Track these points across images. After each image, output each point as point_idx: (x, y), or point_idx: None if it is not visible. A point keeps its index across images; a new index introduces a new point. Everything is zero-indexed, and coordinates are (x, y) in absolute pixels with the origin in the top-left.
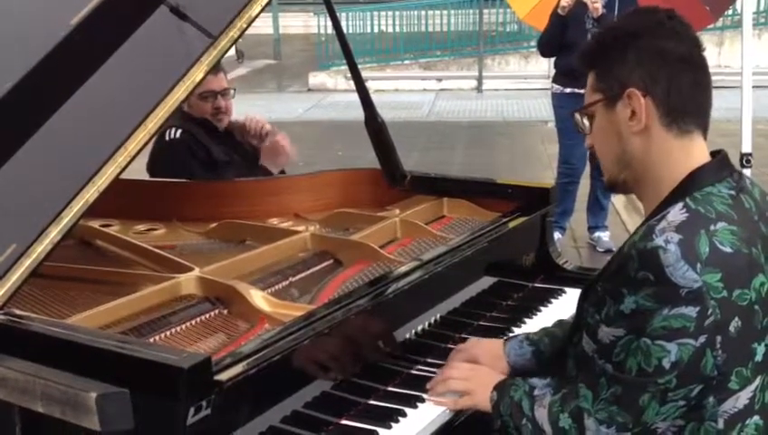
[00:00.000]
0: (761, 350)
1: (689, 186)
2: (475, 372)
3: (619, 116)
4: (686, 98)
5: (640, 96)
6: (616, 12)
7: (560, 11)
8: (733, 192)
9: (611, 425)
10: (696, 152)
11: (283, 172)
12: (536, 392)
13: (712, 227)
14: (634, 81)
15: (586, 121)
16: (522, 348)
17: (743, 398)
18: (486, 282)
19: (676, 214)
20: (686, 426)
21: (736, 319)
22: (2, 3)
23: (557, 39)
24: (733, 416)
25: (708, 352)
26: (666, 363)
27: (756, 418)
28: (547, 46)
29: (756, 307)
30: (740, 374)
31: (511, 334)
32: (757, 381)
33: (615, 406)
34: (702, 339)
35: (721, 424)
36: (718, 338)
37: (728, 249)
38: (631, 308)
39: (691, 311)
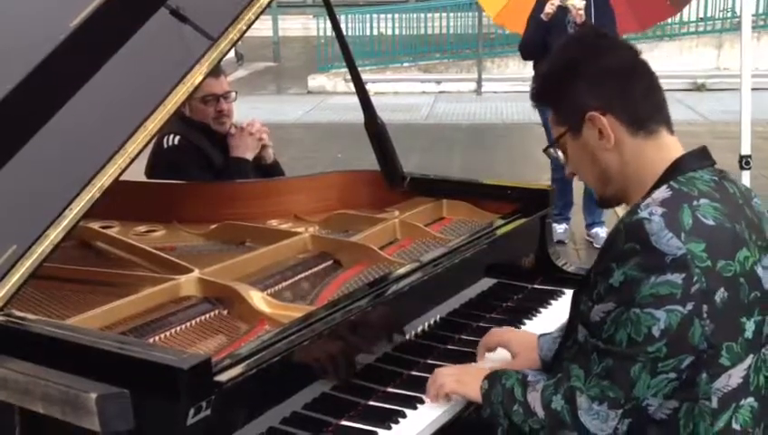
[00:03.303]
0: (750, 326)
1: (673, 172)
2: (465, 367)
3: (588, 140)
4: (642, 103)
5: (600, 116)
6: (593, 15)
7: (543, 17)
8: (716, 178)
9: (603, 401)
10: (668, 146)
11: (281, 174)
12: (530, 378)
13: (695, 203)
14: (590, 104)
15: (561, 154)
16: (555, 343)
17: (735, 376)
18: (486, 283)
19: (661, 192)
20: (680, 407)
21: (722, 289)
22: (1, 5)
23: (539, 43)
24: (726, 395)
25: (696, 321)
26: (655, 331)
27: (751, 399)
28: (528, 50)
29: (742, 280)
30: (731, 350)
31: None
32: (749, 360)
33: (606, 380)
34: (689, 306)
35: (715, 403)
36: (705, 307)
37: (711, 222)
38: (620, 280)
39: (677, 278)
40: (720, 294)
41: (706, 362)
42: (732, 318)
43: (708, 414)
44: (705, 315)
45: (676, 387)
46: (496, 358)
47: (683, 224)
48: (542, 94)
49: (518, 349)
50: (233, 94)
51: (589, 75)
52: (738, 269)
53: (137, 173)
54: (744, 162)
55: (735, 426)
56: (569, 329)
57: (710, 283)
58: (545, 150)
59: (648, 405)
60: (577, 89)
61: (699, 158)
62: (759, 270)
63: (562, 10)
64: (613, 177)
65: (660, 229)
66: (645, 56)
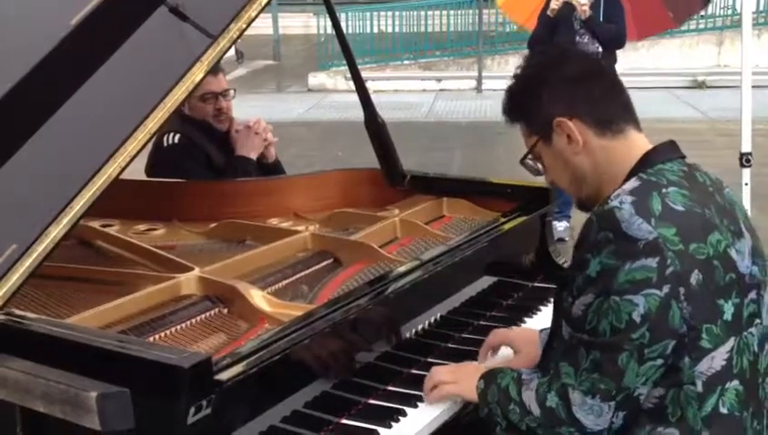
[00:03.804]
0: (728, 308)
1: (642, 165)
2: (461, 366)
3: (559, 146)
4: (606, 104)
5: (567, 121)
6: (601, 13)
7: (549, 13)
8: (685, 168)
9: (595, 394)
10: (637, 144)
11: (282, 172)
12: (524, 377)
13: (663, 190)
14: (557, 111)
15: (539, 165)
16: None
17: (718, 358)
18: (486, 281)
19: (630, 183)
20: (666, 394)
21: (696, 272)
22: (2, 3)
23: (546, 39)
24: (711, 378)
25: (674, 304)
26: (636, 317)
27: (736, 382)
28: (536, 45)
29: (715, 262)
30: (710, 332)
31: None
32: (731, 343)
33: (596, 373)
34: (666, 289)
35: (700, 387)
36: (681, 290)
37: (680, 208)
38: (596, 270)
39: (651, 262)
40: (695, 276)
41: (688, 346)
42: (709, 300)
43: (694, 399)
44: (682, 298)
45: (662, 374)
46: (498, 357)
47: (652, 210)
48: (512, 109)
49: (521, 346)
50: (231, 92)
51: (552, 84)
52: (711, 252)
53: (137, 172)
54: (745, 160)
55: (723, 410)
56: (553, 329)
57: (684, 265)
58: (521, 162)
59: (639, 395)
60: (543, 98)
61: (667, 151)
62: (732, 253)
63: (569, 6)
64: (587, 179)
65: (631, 216)
66: (645, 54)
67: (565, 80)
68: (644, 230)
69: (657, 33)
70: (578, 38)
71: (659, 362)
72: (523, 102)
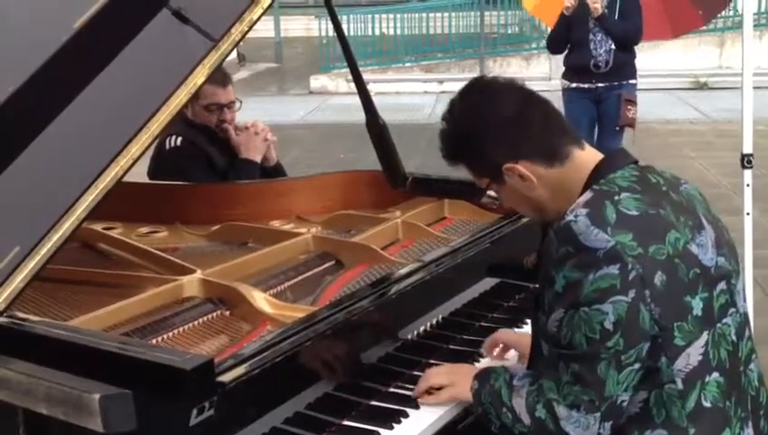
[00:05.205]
0: (697, 304)
1: (594, 178)
2: (456, 367)
3: (514, 185)
4: (547, 135)
5: (515, 165)
6: (617, 11)
7: (564, 11)
8: (636, 173)
9: (580, 407)
10: (585, 160)
11: (284, 174)
12: (515, 382)
13: (616, 198)
14: (503, 158)
15: (497, 199)
16: None
17: (693, 354)
18: (488, 283)
19: (584, 197)
20: (649, 397)
21: (659, 273)
22: (5, 6)
23: (562, 37)
24: (689, 374)
25: (642, 307)
26: (608, 325)
27: (716, 374)
28: (553, 44)
29: (677, 261)
30: (682, 329)
31: None
32: (705, 337)
33: (578, 385)
34: (632, 294)
35: (680, 384)
36: (647, 292)
37: (634, 212)
38: (562, 285)
39: (613, 269)
40: (659, 277)
41: (663, 346)
42: (676, 299)
43: (677, 397)
44: (648, 300)
45: (642, 377)
46: (506, 359)
47: (607, 219)
48: (453, 156)
49: (521, 349)
50: (237, 104)
51: (490, 131)
52: (671, 251)
53: (140, 175)
54: (746, 161)
55: (706, 404)
56: (534, 348)
57: (645, 268)
58: (480, 202)
59: (622, 402)
60: (484, 148)
61: (618, 159)
62: (693, 248)
63: (585, 5)
64: (547, 206)
65: (587, 227)
66: (647, 55)
67: (501, 124)
68: (601, 240)
69: (688, 31)
70: (591, 36)
71: (637, 365)
72: (464, 151)
